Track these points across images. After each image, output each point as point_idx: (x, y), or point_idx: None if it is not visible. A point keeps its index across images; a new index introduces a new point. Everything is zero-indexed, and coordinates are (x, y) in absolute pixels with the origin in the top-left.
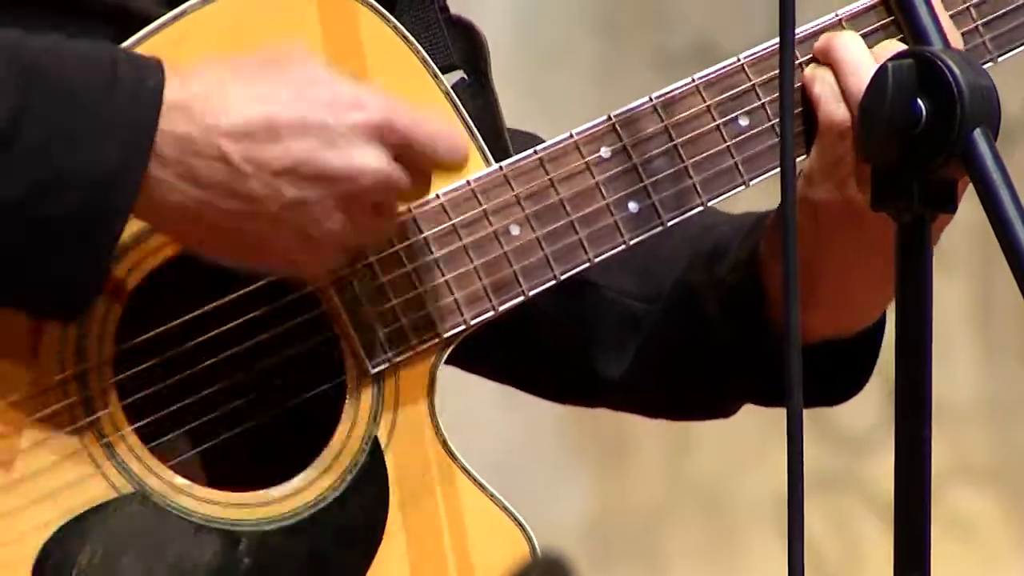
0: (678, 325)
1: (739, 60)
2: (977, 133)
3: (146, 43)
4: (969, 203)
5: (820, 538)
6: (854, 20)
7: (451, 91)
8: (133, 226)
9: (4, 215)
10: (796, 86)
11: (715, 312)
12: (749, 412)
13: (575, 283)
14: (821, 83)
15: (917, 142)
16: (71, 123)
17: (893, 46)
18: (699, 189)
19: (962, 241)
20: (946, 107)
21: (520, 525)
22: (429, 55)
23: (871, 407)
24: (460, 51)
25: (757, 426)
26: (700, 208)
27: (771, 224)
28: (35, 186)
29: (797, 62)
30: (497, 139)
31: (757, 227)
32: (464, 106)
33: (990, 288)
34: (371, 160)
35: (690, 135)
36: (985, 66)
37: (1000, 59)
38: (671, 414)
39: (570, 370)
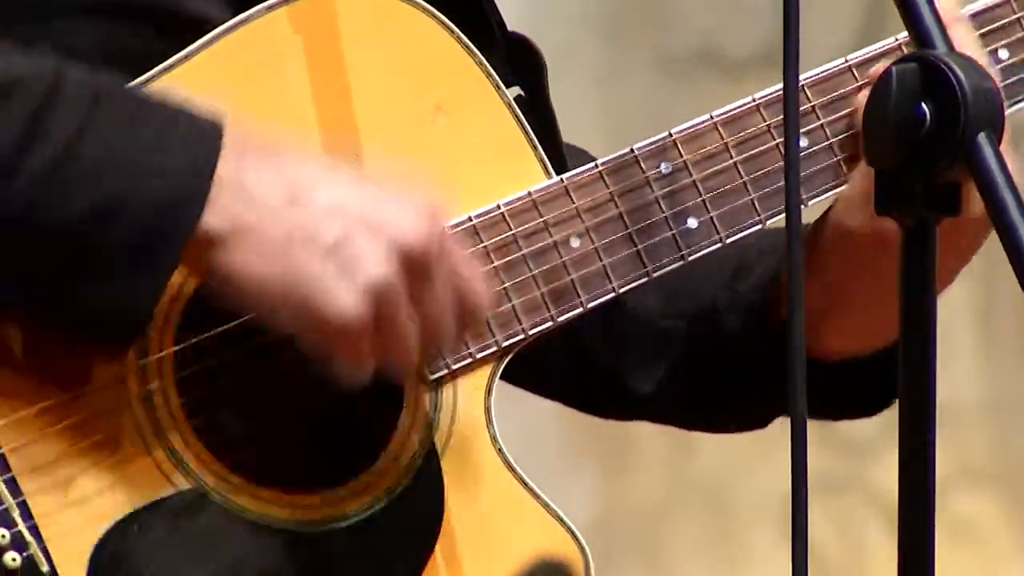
0: (703, 343)
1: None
2: (981, 136)
3: (170, 74)
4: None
5: (823, 540)
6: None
7: (513, 103)
8: None
9: (62, 235)
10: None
11: (737, 330)
12: None
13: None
14: None
15: (921, 146)
16: (134, 148)
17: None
18: (757, 206)
19: None
20: (950, 110)
21: (574, 535)
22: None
23: None
24: (517, 67)
25: None
26: (759, 225)
27: (809, 237)
28: (98, 204)
29: (856, 84)
30: (555, 153)
31: (780, 246)
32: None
33: (993, 291)
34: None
35: (749, 153)
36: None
37: None
38: (706, 427)
39: (606, 387)
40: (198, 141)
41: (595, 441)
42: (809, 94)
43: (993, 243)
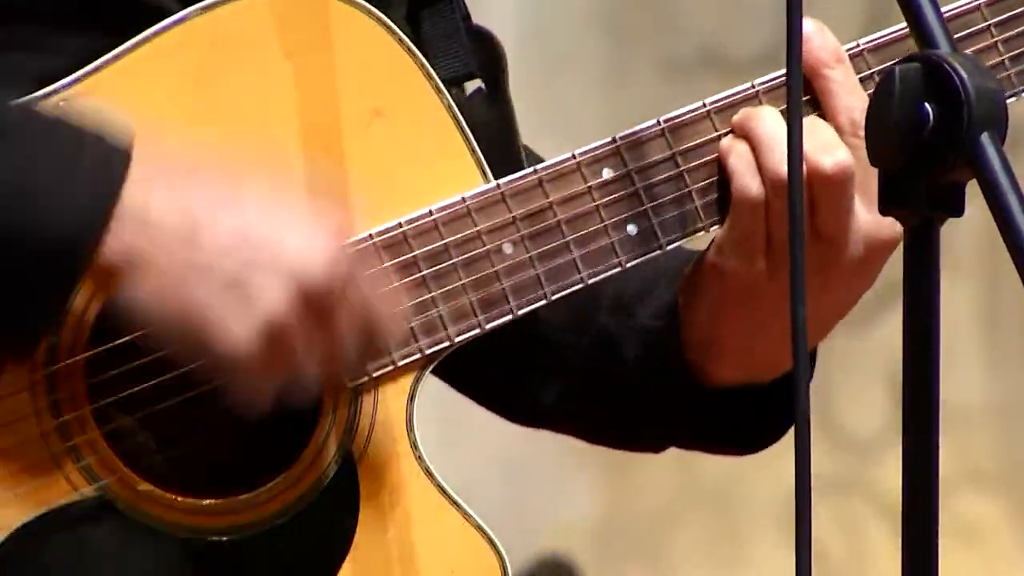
0: (596, 364)
1: (753, 87)
2: (985, 137)
3: (107, 70)
4: (976, 206)
5: (827, 541)
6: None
7: (453, 105)
8: None
9: None
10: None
11: (632, 355)
12: None
13: None
14: (737, 156)
15: (924, 146)
16: (34, 180)
17: (817, 126)
18: (701, 213)
19: (969, 245)
20: (953, 111)
21: (493, 545)
22: (448, 64)
23: (878, 410)
24: (479, 60)
25: None
26: (702, 231)
27: (689, 272)
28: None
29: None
30: (509, 150)
31: (680, 271)
32: (480, 116)
33: (997, 292)
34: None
35: (697, 162)
36: (1010, 100)
37: None
38: (603, 443)
39: (511, 392)
40: (103, 168)
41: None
42: (764, 100)
43: (997, 245)
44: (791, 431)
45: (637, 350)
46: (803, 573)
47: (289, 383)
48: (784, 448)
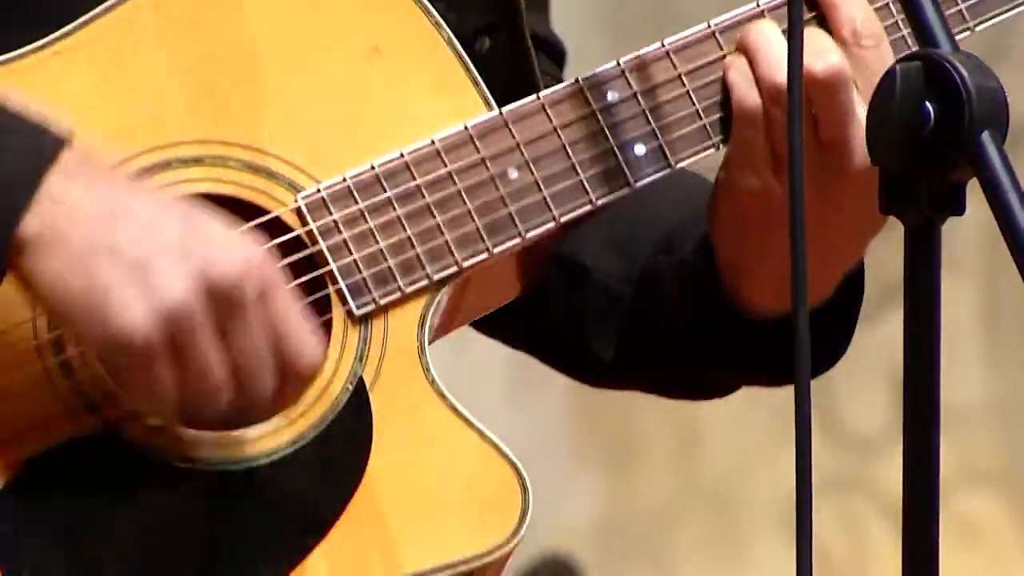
0: (645, 307)
1: (758, 5)
2: (986, 136)
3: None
4: (977, 205)
5: (827, 539)
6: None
7: (453, 39)
8: None
9: None
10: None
11: (674, 292)
12: (757, 412)
13: (570, 266)
14: (736, 70)
15: (925, 145)
16: None
17: (814, 34)
18: (709, 131)
19: (969, 244)
20: (954, 110)
21: (509, 460)
22: (463, 12)
23: (879, 409)
24: (494, 8)
25: (765, 427)
26: (711, 149)
27: (709, 198)
28: None
29: (722, 53)
30: (530, 92)
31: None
32: (498, 66)
33: (998, 291)
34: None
35: (703, 81)
36: (960, 36)
37: (978, 28)
38: (667, 394)
39: (573, 350)
40: (34, 151)
41: (600, 442)
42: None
43: (998, 244)
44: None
45: (677, 286)
46: (804, 572)
47: (198, 391)
48: (785, 445)
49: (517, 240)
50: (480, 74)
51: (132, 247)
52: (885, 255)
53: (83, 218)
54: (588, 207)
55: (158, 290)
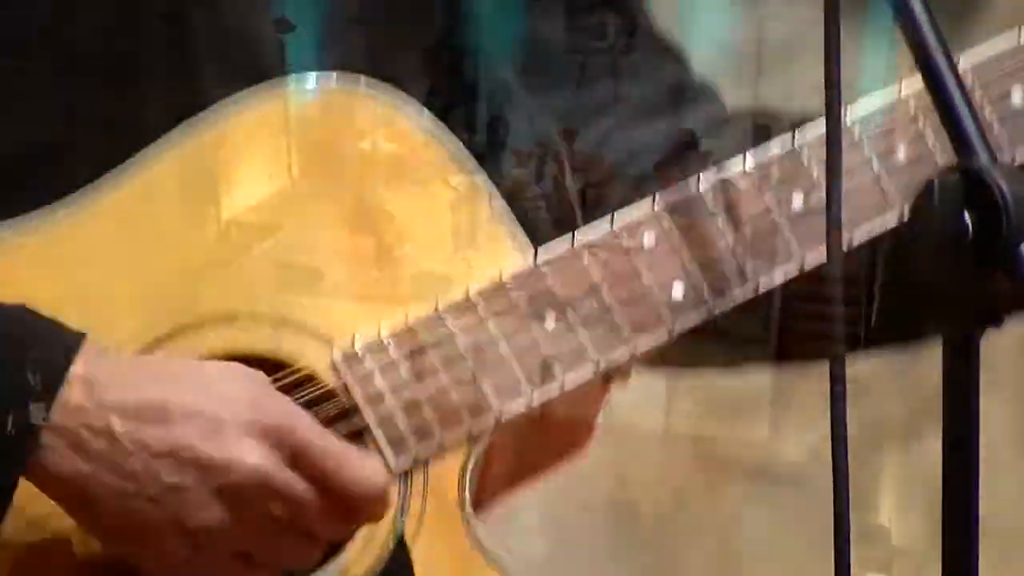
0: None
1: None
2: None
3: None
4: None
5: None
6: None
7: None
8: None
9: None
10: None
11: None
12: (796, 529)
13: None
14: None
15: (963, 258)
16: None
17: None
18: (747, 272)
19: (1008, 358)
20: (992, 221)
21: None
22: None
23: (920, 524)
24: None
25: (806, 548)
26: (751, 293)
27: None
28: None
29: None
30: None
31: None
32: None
33: None
34: (248, 454)
35: (740, 221)
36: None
37: None
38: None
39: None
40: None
41: (632, 552)
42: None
43: None
44: None
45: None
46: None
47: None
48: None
49: (557, 388)
50: None
51: (152, 479)
52: (923, 371)
53: (94, 457)
54: (627, 355)
55: (190, 517)
